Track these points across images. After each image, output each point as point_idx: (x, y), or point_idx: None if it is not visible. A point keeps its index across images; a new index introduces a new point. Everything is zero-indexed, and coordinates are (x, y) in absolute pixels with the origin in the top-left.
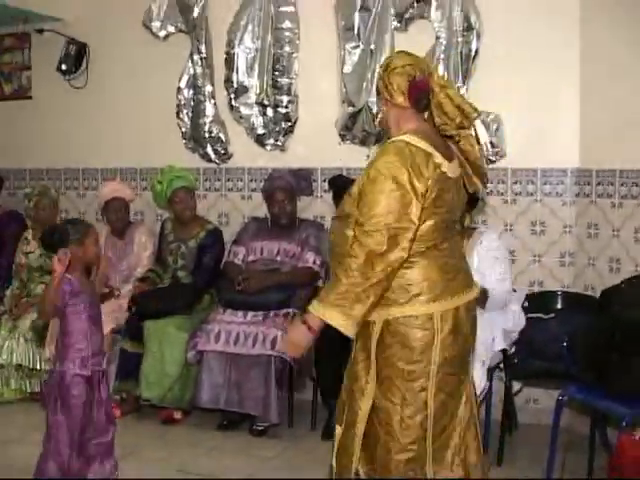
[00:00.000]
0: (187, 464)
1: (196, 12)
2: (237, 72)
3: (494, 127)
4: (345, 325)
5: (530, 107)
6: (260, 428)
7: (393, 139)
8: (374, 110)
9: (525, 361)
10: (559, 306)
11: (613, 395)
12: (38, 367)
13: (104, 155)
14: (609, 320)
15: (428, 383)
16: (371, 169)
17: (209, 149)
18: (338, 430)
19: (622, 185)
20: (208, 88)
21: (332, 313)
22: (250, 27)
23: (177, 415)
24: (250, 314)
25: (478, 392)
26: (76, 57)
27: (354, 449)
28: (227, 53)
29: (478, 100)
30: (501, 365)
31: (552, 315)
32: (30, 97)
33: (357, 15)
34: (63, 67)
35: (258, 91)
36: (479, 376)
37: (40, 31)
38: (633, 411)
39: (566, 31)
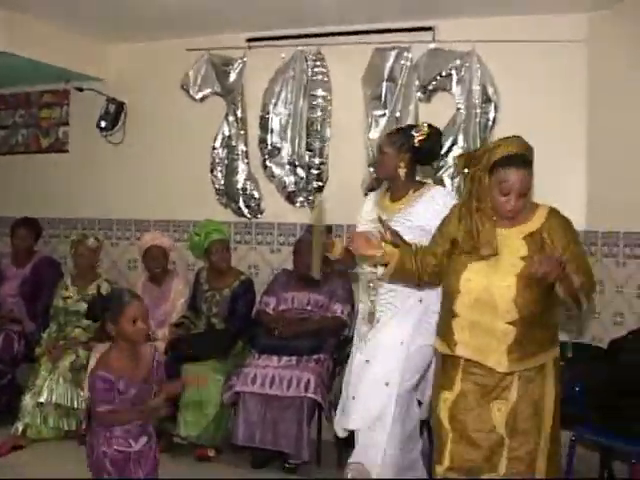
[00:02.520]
0: None
1: (232, 78)
2: (271, 134)
3: None
4: None
5: (542, 173)
6: (292, 465)
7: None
8: None
9: None
10: (569, 355)
11: (625, 435)
12: (76, 406)
13: (138, 207)
14: (617, 367)
15: None
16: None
17: (242, 204)
18: None
19: (625, 246)
20: (242, 148)
21: None
22: (284, 93)
23: (211, 453)
24: (284, 359)
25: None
26: (114, 115)
27: None
28: (262, 117)
29: None
30: None
31: (561, 363)
32: (67, 151)
33: (384, 85)
34: (102, 124)
35: (290, 152)
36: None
37: (80, 89)
38: None
39: (575, 103)
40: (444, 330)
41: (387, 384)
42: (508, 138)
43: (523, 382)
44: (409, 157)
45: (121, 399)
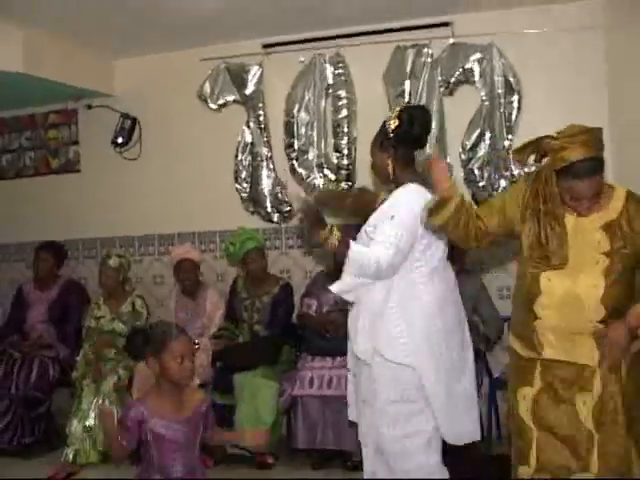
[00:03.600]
0: None
1: (251, 84)
2: (297, 138)
3: None
4: None
5: None
6: (355, 463)
7: None
8: None
9: None
10: None
11: None
12: None
13: (160, 221)
14: None
15: None
16: None
17: (271, 210)
18: None
19: None
20: (266, 154)
21: None
22: (307, 97)
23: (270, 459)
24: (338, 359)
25: None
26: (128, 130)
27: None
28: (286, 122)
29: None
30: None
31: None
32: (79, 170)
33: (407, 82)
34: (119, 140)
35: (317, 155)
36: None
37: (89, 107)
38: None
39: (596, 86)
40: (525, 332)
41: None
42: (574, 135)
43: (605, 371)
44: (393, 152)
45: (159, 441)
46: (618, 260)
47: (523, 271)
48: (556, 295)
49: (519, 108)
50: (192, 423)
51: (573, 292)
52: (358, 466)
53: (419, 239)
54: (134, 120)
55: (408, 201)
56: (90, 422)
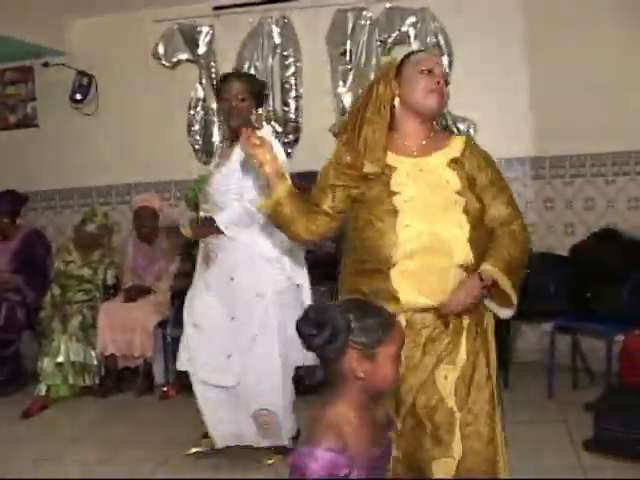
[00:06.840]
0: None
1: (203, 45)
2: None
3: (465, 128)
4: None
5: (491, 108)
6: (307, 386)
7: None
8: None
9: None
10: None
11: (597, 320)
12: (89, 362)
13: (118, 173)
14: (581, 266)
15: None
16: (487, 159)
17: None
18: None
19: (571, 167)
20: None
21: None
22: (255, 55)
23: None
24: None
25: None
26: (86, 87)
27: None
28: None
29: (453, 108)
30: None
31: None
32: (37, 125)
33: (348, 43)
34: (77, 97)
35: (266, 108)
36: None
37: (46, 64)
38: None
39: (516, 44)
40: (375, 276)
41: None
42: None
43: (471, 341)
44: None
45: None
46: (471, 198)
47: (361, 220)
48: (417, 241)
49: (449, 67)
50: (380, 456)
51: (437, 235)
52: (310, 389)
53: None
54: (90, 77)
55: None
56: (60, 359)
